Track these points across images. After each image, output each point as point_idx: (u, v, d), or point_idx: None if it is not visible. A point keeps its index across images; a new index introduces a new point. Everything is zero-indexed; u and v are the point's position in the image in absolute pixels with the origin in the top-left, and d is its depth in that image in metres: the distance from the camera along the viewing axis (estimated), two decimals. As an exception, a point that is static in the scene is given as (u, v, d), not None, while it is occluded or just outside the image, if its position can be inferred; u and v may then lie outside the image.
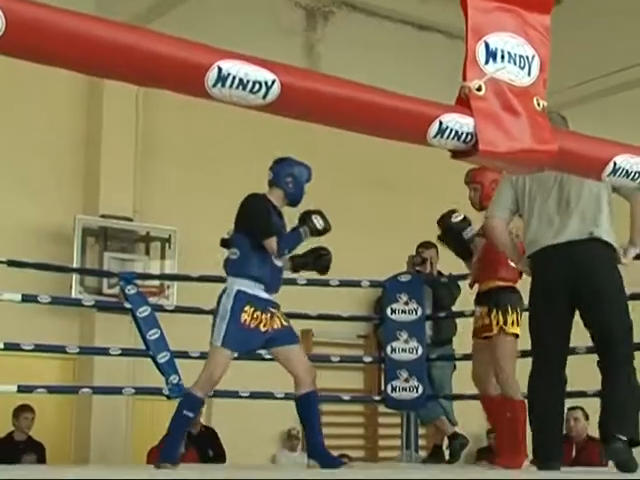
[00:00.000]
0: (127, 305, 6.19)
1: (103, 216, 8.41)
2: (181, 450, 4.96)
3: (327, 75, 1.71)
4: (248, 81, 1.61)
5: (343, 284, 6.81)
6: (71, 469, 4.91)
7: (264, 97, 1.62)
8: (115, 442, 7.74)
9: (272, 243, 4.67)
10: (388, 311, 6.50)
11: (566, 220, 4.27)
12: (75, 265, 8.00)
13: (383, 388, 6.56)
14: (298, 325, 8.84)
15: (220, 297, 4.69)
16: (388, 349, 6.44)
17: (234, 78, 1.60)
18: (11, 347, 5.41)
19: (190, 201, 8.92)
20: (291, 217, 4.96)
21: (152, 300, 6.81)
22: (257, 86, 1.61)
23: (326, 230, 4.91)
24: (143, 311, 6.14)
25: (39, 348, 5.82)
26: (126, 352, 6.31)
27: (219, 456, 7.79)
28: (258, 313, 4.65)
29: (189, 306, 6.67)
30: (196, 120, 8.70)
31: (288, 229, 4.89)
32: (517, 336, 5.01)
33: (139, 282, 6.55)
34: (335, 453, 9.01)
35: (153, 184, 8.90)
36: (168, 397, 6.06)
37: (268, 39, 8.21)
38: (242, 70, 1.60)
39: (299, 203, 4.88)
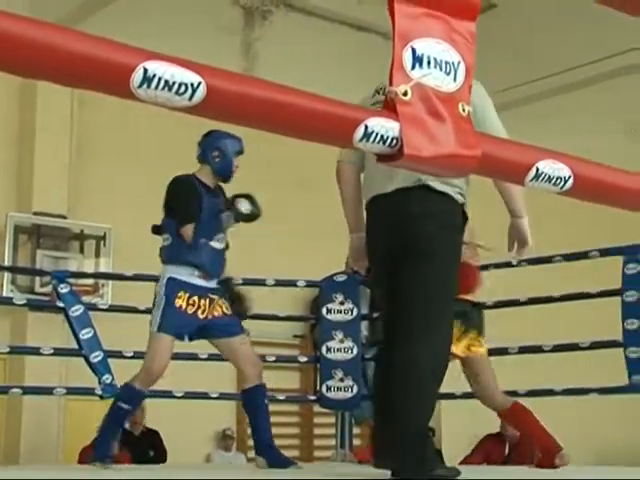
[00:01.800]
0: (60, 304, 6.11)
1: (36, 213, 8.30)
2: (115, 447, 4.85)
3: (254, 78, 1.71)
4: (174, 83, 1.60)
5: (279, 284, 6.82)
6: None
7: (190, 99, 1.62)
8: (46, 443, 7.66)
9: (187, 230, 4.47)
10: (324, 311, 6.52)
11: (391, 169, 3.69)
12: (7, 263, 7.90)
13: (318, 388, 6.58)
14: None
15: (156, 287, 4.58)
16: (323, 349, 6.46)
17: (160, 79, 1.59)
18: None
19: (125, 199, 8.86)
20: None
21: (86, 299, 6.75)
22: (183, 88, 1.61)
23: (254, 215, 4.61)
24: (76, 310, 6.07)
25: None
26: (58, 351, 6.24)
27: (160, 457, 7.76)
28: (195, 299, 4.49)
29: (124, 305, 6.62)
30: (131, 117, 8.63)
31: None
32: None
33: (73, 281, 6.47)
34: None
35: (88, 181, 8.82)
36: (101, 397, 6.01)
37: (206, 38, 8.19)
38: (168, 71, 1.60)
39: (230, 177, 4.65)
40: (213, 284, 4.59)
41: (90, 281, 8.21)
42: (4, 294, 7.74)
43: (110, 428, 4.67)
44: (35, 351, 6.27)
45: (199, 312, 4.50)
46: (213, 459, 8.94)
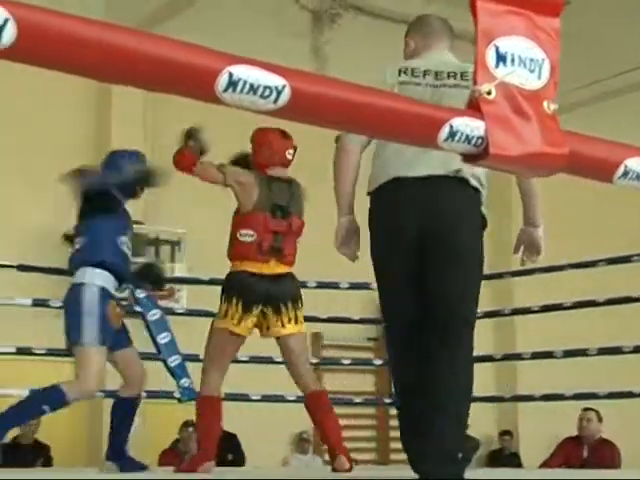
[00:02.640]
0: (137, 309, 6.19)
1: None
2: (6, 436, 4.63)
3: (338, 79, 1.71)
4: (259, 86, 1.61)
5: (353, 287, 6.81)
6: (81, 470, 4.93)
7: (275, 102, 1.62)
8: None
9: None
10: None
11: (425, 151, 3.17)
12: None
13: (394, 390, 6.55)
14: (308, 328, 8.94)
15: (77, 291, 4.48)
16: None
17: (245, 83, 1.60)
18: (23, 351, 5.43)
19: (200, 204, 8.92)
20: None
21: (162, 303, 6.82)
22: (268, 91, 1.61)
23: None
24: (153, 315, 6.14)
25: (51, 352, 5.83)
26: (145, 356, 6.31)
27: (238, 460, 7.82)
28: (118, 309, 4.69)
29: (199, 309, 6.68)
30: (205, 120, 8.69)
31: None
32: (229, 331, 4.58)
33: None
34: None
35: (162, 187, 8.89)
36: (179, 400, 6.06)
37: (275, 42, 8.22)
38: (253, 75, 1.60)
39: (134, 196, 4.90)
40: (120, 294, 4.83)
41: (166, 286, 8.28)
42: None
43: (18, 418, 4.61)
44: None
45: (116, 321, 4.68)
46: (290, 462, 8.96)
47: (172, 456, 7.53)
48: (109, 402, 7.57)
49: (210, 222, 8.65)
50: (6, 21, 1.41)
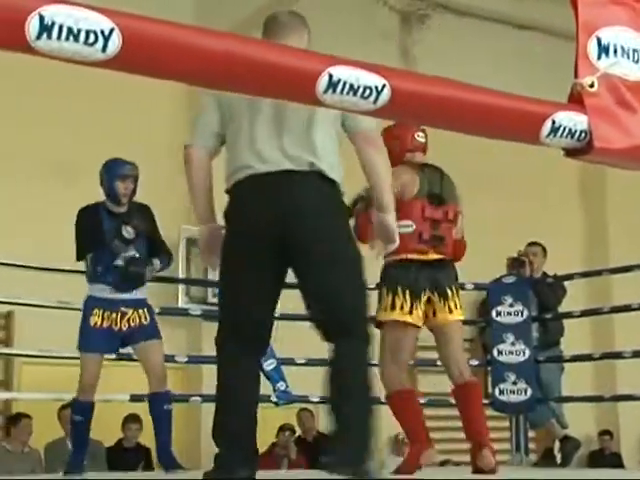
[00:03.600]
0: (233, 313, 6.25)
1: (206, 225, 8.49)
2: (84, 456, 4.96)
3: (437, 77, 1.70)
4: (359, 87, 1.61)
5: (448, 287, 6.76)
6: (178, 474, 4.99)
7: (375, 102, 1.62)
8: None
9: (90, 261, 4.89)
10: (493, 313, 6.45)
11: (276, 142, 3.14)
12: (180, 275, 8.11)
13: (490, 391, 6.49)
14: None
15: None
16: (495, 352, 6.39)
17: (345, 84, 1.61)
18: (122, 357, 5.52)
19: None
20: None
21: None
22: (368, 91, 1.61)
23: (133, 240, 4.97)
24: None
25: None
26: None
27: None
28: (108, 313, 4.81)
29: (294, 313, 6.70)
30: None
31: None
32: (400, 322, 4.34)
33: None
34: (442, 457, 8.99)
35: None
36: (276, 404, 6.11)
37: (364, 44, 8.22)
38: (353, 76, 1.61)
39: (119, 199, 4.94)
40: (127, 296, 4.89)
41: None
42: (179, 305, 7.96)
43: (74, 441, 5.01)
44: (212, 360, 6.39)
45: (113, 325, 4.83)
46: (387, 465, 8.93)
47: (269, 460, 7.57)
48: (207, 406, 7.67)
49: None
50: (111, 31, 1.44)
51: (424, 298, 4.35)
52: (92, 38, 1.41)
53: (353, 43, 7.93)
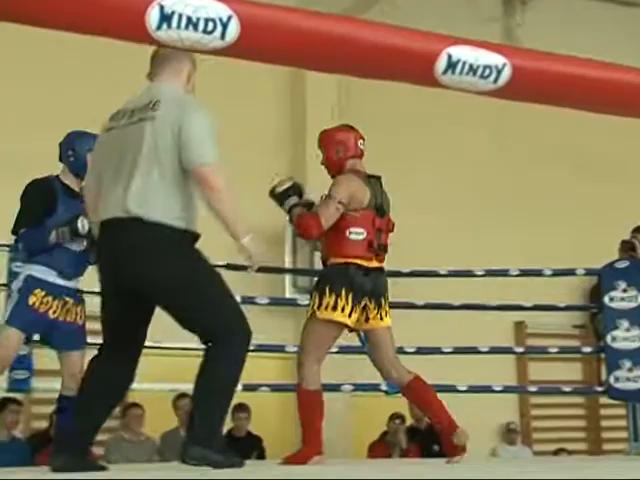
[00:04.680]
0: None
1: (312, 216, 8.52)
2: None
3: (559, 55, 1.65)
4: (478, 66, 1.58)
5: (557, 274, 6.64)
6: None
7: (495, 81, 1.58)
8: (336, 438, 7.81)
9: (19, 233, 4.49)
10: (606, 299, 6.31)
11: (113, 190, 3.38)
12: (287, 265, 8.15)
13: (605, 379, 6.36)
14: (510, 317, 8.83)
15: (11, 282, 4.62)
16: (608, 338, 6.25)
17: (464, 64, 1.57)
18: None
19: (405, 198, 8.91)
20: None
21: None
22: (487, 71, 1.57)
23: (90, 233, 4.25)
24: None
25: (260, 348, 5.95)
26: (343, 349, 6.37)
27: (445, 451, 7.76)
28: (49, 298, 4.44)
29: (401, 301, 6.68)
30: (397, 103, 8.72)
31: None
32: (337, 323, 4.35)
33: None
34: (555, 446, 8.86)
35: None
36: (387, 393, 6.09)
37: (467, 26, 8.10)
38: (472, 55, 1.57)
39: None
40: (71, 285, 4.52)
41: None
42: (286, 296, 8.00)
43: None
44: (320, 349, 6.43)
45: (50, 311, 4.47)
46: (498, 453, 8.84)
47: (381, 448, 7.56)
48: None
49: (419, 217, 8.69)
50: (229, 18, 1.44)
51: (362, 304, 4.39)
52: (211, 26, 1.42)
53: (456, 27, 7.80)
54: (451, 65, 1.56)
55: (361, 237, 4.41)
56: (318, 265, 8.17)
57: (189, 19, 1.41)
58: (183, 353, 5.42)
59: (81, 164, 4.50)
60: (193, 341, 4.86)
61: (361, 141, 4.63)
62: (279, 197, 4.56)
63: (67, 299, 4.49)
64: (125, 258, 3.33)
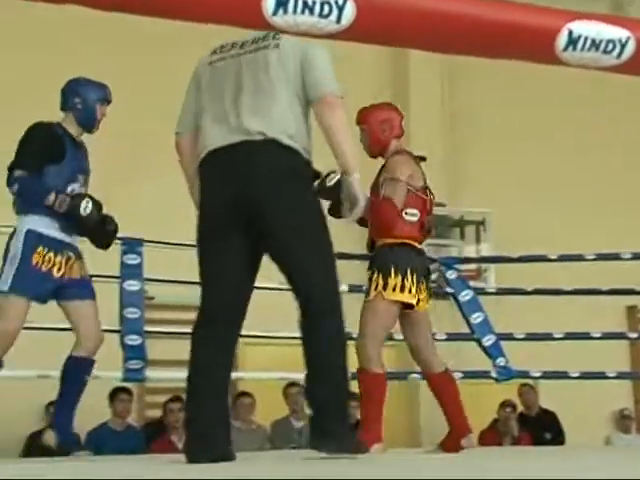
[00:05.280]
0: (449, 290, 6.22)
1: (415, 203, 8.51)
2: None
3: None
4: (600, 41, 1.53)
5: (601, 257, 6.44)
6: (401, 452, 5.00)
7: (618, 56, 1.53)
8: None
9: (15, 174, 4.03)
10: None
11: (236, 115, 3.15)
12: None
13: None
14: (621, 301, 8.62)
15: (9, 240, 4.08)
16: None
17: (586, 39, 1.53)
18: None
19: (502, 182, 8.81)
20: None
21: (470, 284, 6.80)
22: (610, 45, 1.53)
23: (90, 218, 4.06)
24: (465, 295, 6.17)
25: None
26: (452, 337, 6.33)
27: (557, 439, 7.66)
28: (51, 255, 4.03)
29: (511, 287, 6.60)
30: (505, 92, 8.60)
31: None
32: (402, 303, 4.21)
33: (458, 267, 6.56)
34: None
35: (463, 167, 8.88)
36: (496, 380, 6.04)
37: (573, 3, 7.94)
38: (594, 30, 1.53)
39: (94, 126, 4.25)
40: (72, 241, 4.14)
41: (472, 266, 8.25)
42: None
43: None
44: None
45: (54, 269, 4.06)
46: (613, 441, 8.66)
47: (491, 436, 7.48)
48: (426, 383, 7.67)
49: (516, 200, 8.56)
50: (345, 1, 1.42)
51: (420, 285, 4.28)
52: (327, 9, 1.41)
53: (562, 2, 7.67)
54: (572, 41, 1.52)
55: (415, 218, 4.30)
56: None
57: (305, 3, 1.40)
58: (292, 342, 5.46)
59: (90, 116, 4.23)
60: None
61: (403, 121, 4.51)
62: (333, 189, 4.10)
63: (70, 254, 4.12)
64: (255, 178, 3.07)
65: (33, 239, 4.01)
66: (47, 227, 4.05)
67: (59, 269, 4.07)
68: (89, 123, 4.23)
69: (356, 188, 3.19)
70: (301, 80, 3.13)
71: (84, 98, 4.20)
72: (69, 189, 4.10)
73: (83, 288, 4.15)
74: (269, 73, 3.12)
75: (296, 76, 3.12)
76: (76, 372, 4.15)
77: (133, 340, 5.25)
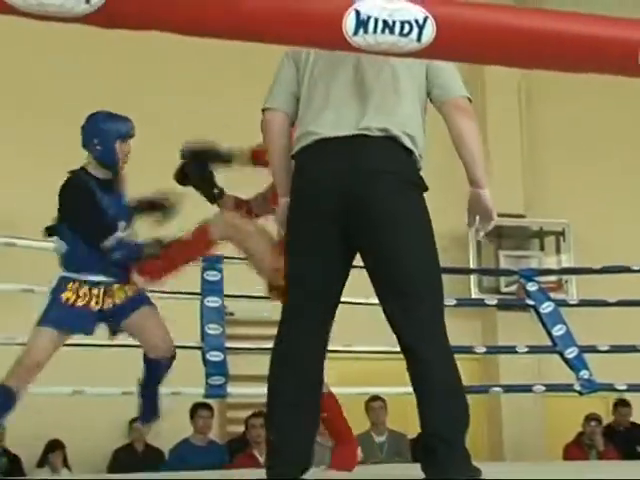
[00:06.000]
0: (529, 302, 6.15)
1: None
2: None
3: None
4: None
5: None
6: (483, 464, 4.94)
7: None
8: (528, 439, 7.71)
9: (108, 244, 3.90)
10: None
11: (354, 106, 2.87)
12: (472, 266, 8.11)
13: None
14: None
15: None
16: None
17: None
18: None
19: (581, 192, 8.72)
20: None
21: (551, 295, 6.73)
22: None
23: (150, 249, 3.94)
24: (546, 307, 6.09)
25: (460, 350, 5.93)
26: (533, 349, 6.26)
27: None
28: (85, 289, 3.92)
29: (594, 299, 6.50)
30: (579, 107, 8.50)
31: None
32: None
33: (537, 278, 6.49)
34: None
35: (542, 177, 8.81)
36: (580, 393, 5.94)
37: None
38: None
39: (116, 166, 3.94)
40: (111, 275, 3.98)
41: (553, 278, 8.16)
42: (472, 296, 7.96)
43: None
44: (510, 350, 6.35)
45: (92, 303, 3.96)
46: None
47: (576, 450, 7.38)
48: (507, 397, 7.63)
49: (596, 210, 8.45)
50: (425, 19, 1.43)
51: None
52: (407, 28, 1.41)
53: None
54: None
55: None
56: (504, 264, 8.13)
57: (385, 23, 1.41)
58: (374, 357, 5.47)
59: (110, 157, 3.94)
60: (383, 344, 4.89)
61: None
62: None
63: (108, 284, 3.99)
64: (367, 178, 2.81)
65: (64, 280, 3.95)
66: (78, 274, 3.95)
67: (97, 302, 3.97)
68: (111, 165, 3.96)
69: (490, 203, 2.94)
70: (425, 80, 2.90)
71: (102, 138, 3.92)
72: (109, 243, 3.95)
73: (132, 302, 4.00)
74: (394, 68, 2.85)
75: (420, 75, 2.88)
76: (149, 372, 4.10)
77: (215, 356, 5.29)
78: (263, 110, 3.04)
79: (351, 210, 2.81)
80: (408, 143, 2.85)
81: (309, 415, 2.89)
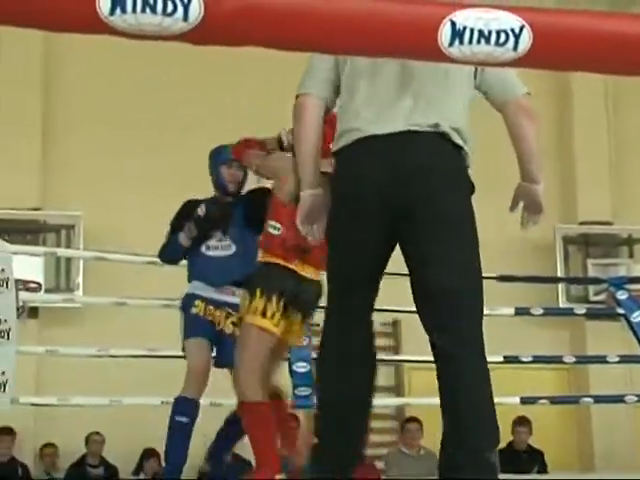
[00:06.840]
0: (619, 311, 6.04)
1: (582, 223, 8.36)
2: (184, 459, 4.27)
3: None
4: None
5: None
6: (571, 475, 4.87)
7: None
8: (619, 448, 7.55)
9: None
10: None
11: (402, 101, 2.73)
12: (559, 274, 8.01)
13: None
14: None
15: None
16: None
17: None
18: (510, 360, 5.51)
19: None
20: None
21: (640, 304, 6.60)
22: None
23: (210, 216, 4.34)
24: (637, 316, 5.97)
25: (537, 359, 5.86)
26: (624, 359, 6.15)
27: None
28: (211, 308, 4.32)
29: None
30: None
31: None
32: (265, 330, 3.78)
33: (628, 286, 6.37)
34: None
35: (630, 183, 8.68)
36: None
37: None
38: None
39: (226, 188, 4.41)
40: (228, 298, 4.33)
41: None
42: (560, 305, 7.86)
43: (170, 442, 4.26)
44: (601, 360, 6.25)
45: (216, 322, 4.33)
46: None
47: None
48: (597, 407, 7.50)
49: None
50: (521, 29, 1.41)
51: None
52: (503, 38, 1.40)
53: None
54: None
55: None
56: (592, 272, 8.00)
57: (481, 32, 1.40)
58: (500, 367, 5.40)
59: (219, 182, 4.45)
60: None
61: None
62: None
63: (230, 311, 4.31)
64: (415, 175, 2.69)
65: (190, 297, 4.37)
66: (204, 290, 4.36)
67: (219, 322, 4.34)
68: (222, 189, 4.46)
69: (541, 196, 2.89)
70: (472, 76, 2.81)
71: (212, 168, 4.48)
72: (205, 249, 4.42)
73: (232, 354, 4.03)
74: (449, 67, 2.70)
75: (469, 70, 2.77)
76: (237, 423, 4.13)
77: (301, 367, 5.31)
78: (297, 95, 2.88)
79: (396, 208, 2.69)
80: (457, 139, 2.75)
81: (359, 418, 2.80)
